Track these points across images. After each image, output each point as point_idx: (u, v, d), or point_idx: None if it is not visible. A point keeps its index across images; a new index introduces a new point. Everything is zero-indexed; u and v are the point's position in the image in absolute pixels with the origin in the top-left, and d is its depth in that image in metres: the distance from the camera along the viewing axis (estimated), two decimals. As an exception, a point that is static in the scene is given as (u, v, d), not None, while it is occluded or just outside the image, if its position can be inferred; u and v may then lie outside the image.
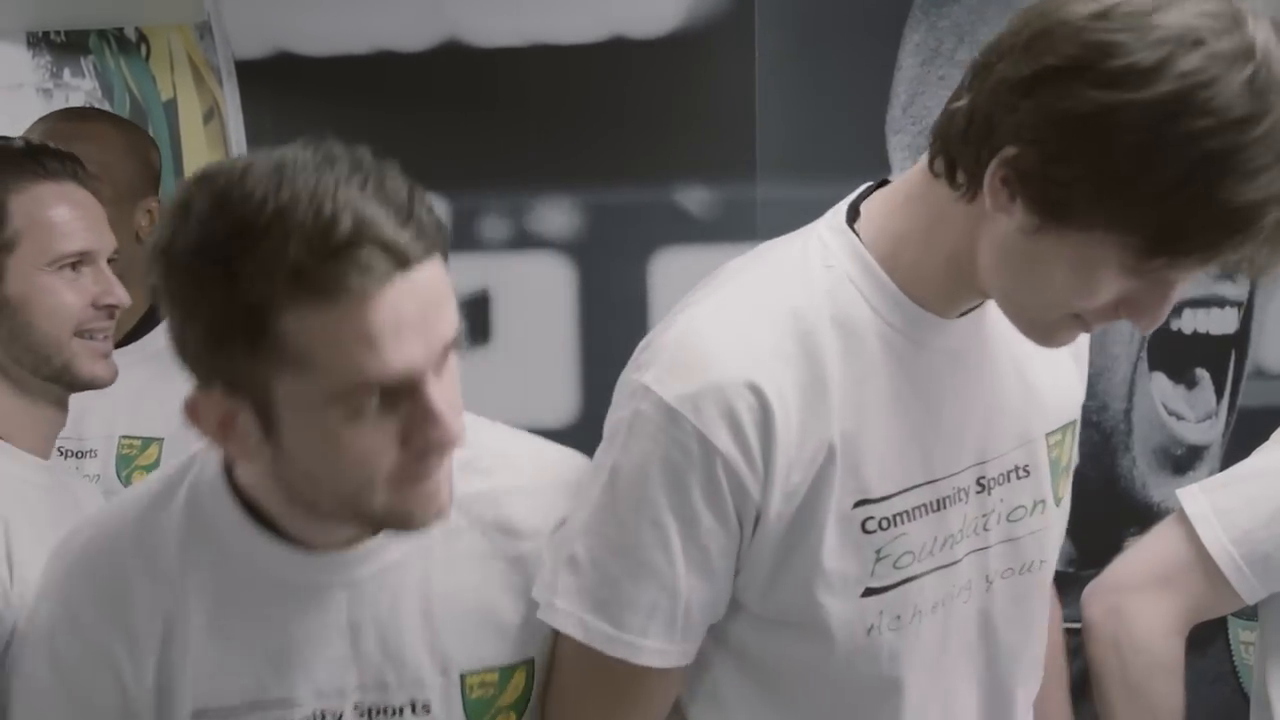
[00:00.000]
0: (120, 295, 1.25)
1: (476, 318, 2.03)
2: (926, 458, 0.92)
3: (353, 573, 0.92)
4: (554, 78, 1.81)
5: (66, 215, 1.21)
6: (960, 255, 0.88)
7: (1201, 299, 2.06)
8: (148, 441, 1.65)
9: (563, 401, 1.96)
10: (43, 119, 1.81)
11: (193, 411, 0.81)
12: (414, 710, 0.93)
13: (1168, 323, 1.98)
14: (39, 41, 2.23)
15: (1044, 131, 0.78)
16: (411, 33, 1.95)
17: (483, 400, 2.02)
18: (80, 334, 1.21)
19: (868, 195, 0.95)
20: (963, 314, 0.93)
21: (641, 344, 0.95)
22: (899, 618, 0.93)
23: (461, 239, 2.03)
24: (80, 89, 2.23)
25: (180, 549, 0.91)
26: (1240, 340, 2.09)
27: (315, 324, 0.74)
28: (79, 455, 1.66)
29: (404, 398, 0.79)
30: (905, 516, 0.92)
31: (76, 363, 1.21)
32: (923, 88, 2.01)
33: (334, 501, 0.84)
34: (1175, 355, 2.07)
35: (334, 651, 0.91)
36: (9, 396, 1.22)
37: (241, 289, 0.74)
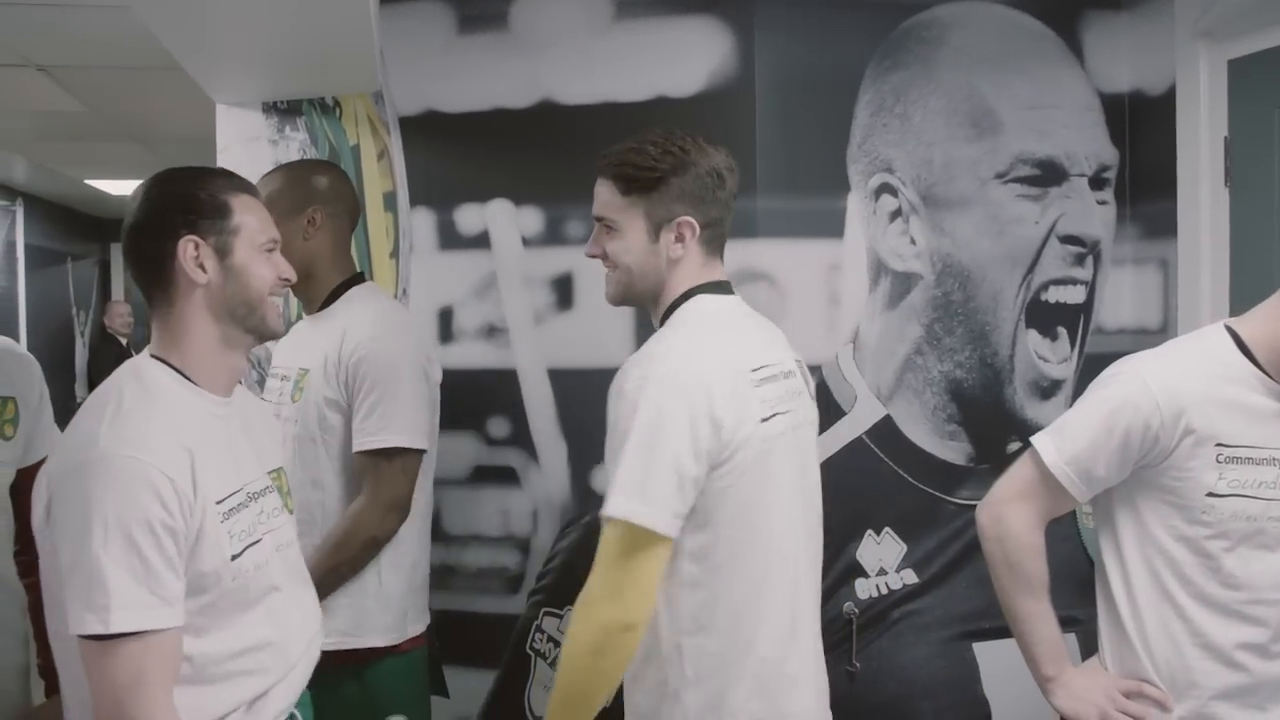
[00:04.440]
0: (290, 273, 1.48)
1: (563, 290, 2.43)
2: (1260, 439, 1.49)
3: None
4: (617, 125, 2.10)
5: (262, 216, 1.46)
6: None
7: (1061, 279, 2.43)
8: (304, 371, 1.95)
9: (620, 346, 2.34)
10: (296, 162, 2.08)
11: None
12: None
13: (1038, 295, 2.41)
14: (269, 108, 2.57)
15: None
16: (519, 96, 2.42)
17: (570, 346, 2.43)
18: (270, 295, 1.45)
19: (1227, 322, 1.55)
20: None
21: (1119, 362, 1.55)
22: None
23: (552, 237, 2.43)
24: (295, 140, 2.56)
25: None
26: (1087, 308, 2.47)
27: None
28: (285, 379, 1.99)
29: None
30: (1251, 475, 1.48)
31: (268, 316, 1.45)
32: (872, 132, 2.40)
33: None
34: (1043, 318, 2.45)
35: None
36: (210, 347, 1.42)
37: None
